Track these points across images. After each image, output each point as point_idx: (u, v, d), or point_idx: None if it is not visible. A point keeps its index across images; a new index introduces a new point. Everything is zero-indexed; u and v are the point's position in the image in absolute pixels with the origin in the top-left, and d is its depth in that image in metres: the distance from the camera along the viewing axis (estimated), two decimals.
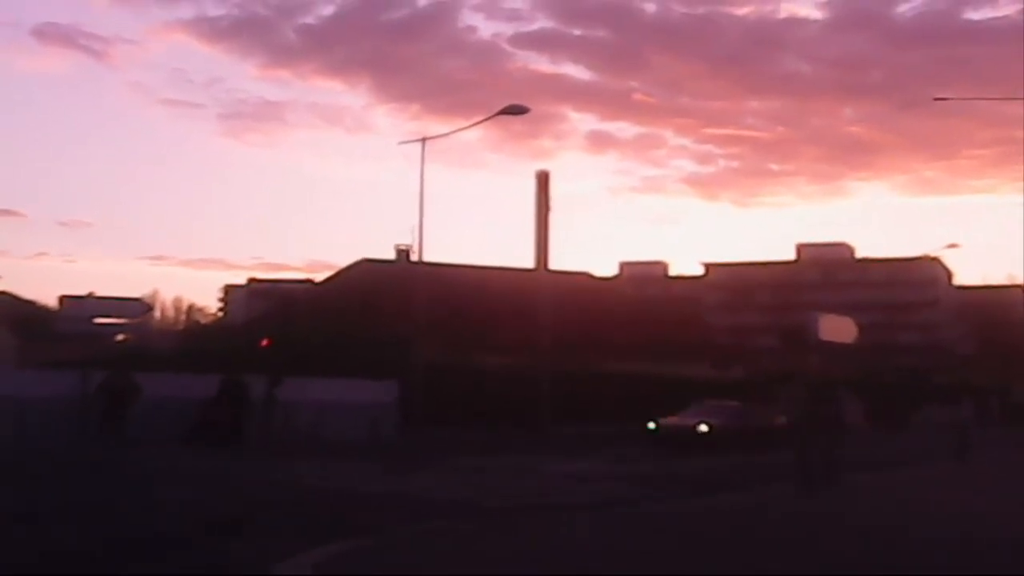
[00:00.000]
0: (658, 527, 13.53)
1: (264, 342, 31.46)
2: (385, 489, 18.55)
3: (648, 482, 20.80)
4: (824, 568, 10.56)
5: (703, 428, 31.85)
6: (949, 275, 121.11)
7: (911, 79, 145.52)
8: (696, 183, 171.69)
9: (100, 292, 54.87)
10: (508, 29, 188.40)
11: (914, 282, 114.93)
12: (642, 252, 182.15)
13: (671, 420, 33.42)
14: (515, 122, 49.85)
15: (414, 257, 40.82)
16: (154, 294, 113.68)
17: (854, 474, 19.94)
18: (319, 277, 66.49)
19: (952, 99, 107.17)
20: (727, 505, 16.58)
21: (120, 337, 35.63)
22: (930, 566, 10.84)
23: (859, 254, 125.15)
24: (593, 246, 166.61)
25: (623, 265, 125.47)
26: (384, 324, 41.60)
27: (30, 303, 62.17)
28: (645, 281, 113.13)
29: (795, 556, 11.35)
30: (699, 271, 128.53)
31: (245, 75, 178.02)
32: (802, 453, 18.43)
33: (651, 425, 33.30)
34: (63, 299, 36.48)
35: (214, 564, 10.37)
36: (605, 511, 15.35)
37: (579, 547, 11.62)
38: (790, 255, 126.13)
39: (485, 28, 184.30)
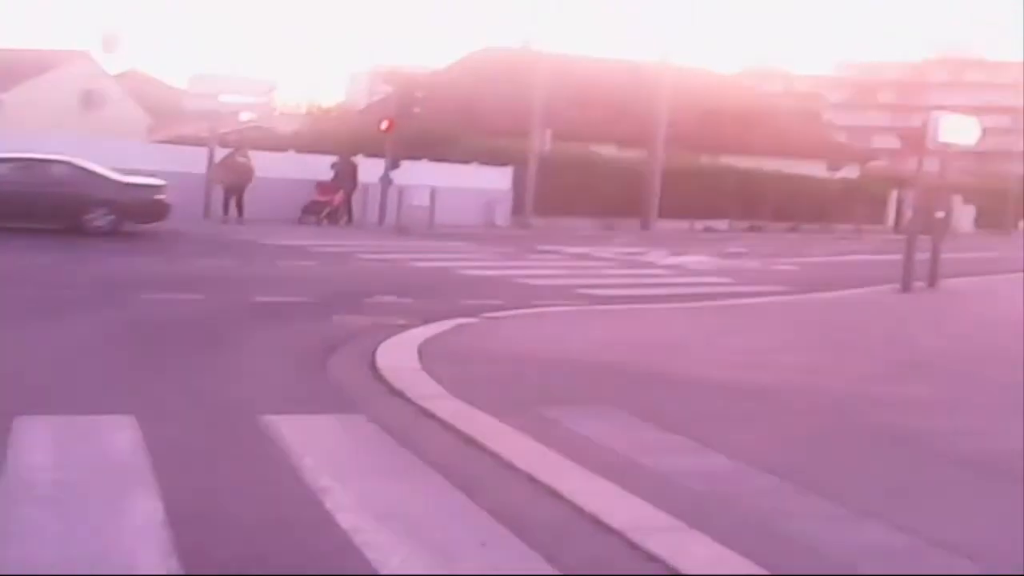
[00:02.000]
0: (757, 317, 13.95)
1: (384, 125, 31.90)
2: (494, 273, 19.15)
3: (753, 279, 21.08)
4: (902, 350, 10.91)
5: None
6: None
7: None
8: None
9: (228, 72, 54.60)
10: None
11: None
12: (768, 46, 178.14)
13: None
14: None
15: (538, 46, 40.68)
16: (278, 76, 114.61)
17: (952, 278, 20.08)
18: (442, 64, 66.41)
19: None
20: (829, 299, 16.98)
21: (245, 116, 36.17)
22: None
23: (992, 54, 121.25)
24: (720, 39, 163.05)
25: (747, 59, 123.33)
26: (504, 113, 41.78)
27: (158, 81, 63.32)
28: (768, 77, 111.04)
29: (882, 341, 11.73)
30: (825, 68, 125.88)
31: None
32: (909, 254, 18.63)
33: None
34: (192, 77, 36.73)
35: (327, 334, 10.99)
36: (704, 303, 15.73)
37: (672, 328, 12.05)
38: (921, 53, 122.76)
39: None
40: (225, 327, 11.46)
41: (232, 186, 29.33)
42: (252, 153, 30.14)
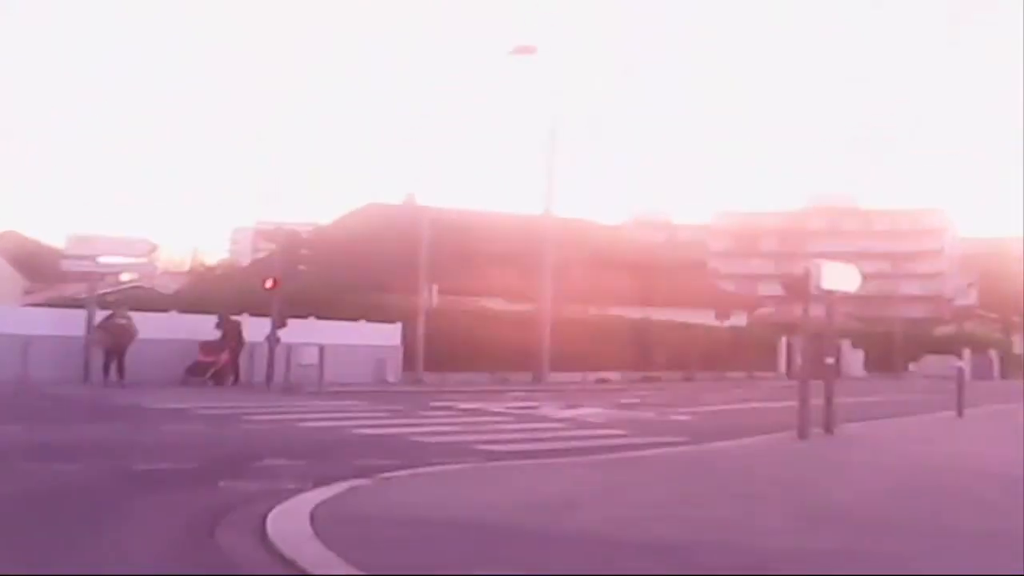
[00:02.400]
0: (655, 470, 13.69)
1: (268, 283, 31.57)
2: (387, 431, 18.75)
3: (649, 430, 20.93)
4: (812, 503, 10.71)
5: None
6: (955, 226, 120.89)
7: None
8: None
9: (107, 232, 53.74)
10: None
11: (920, 232, 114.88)
12: (650, 199, 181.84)
13: None
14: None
15: (421, 201, 40.89)
16: (160, 236, 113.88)
17: (848, 423, 20.16)
18: (327, 220, 66.39)
19: None
20: (727, 449, 16.79)
21: (126, 276, 35.66)
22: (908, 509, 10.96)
23: (867, 204, 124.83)
24: (601, 192, 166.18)
25: (629, 211, 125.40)
26: (390, 268, 41.70)
27: (36, 242, 62.43)
28: (651, 228, 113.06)
29: (787, 491, 11.53)
30: (706, 218, 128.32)
31: None
32: (803, 401, 18.62)
33: None
34: (69, 238, 35.92)
35: (214, 502, 10.51)
36: (601, 456, 15.46)
37: (568, 488, 11.74)
38: (798, 203, 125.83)
39: None
40: (106, 497, 10.88)
41: (112, 348, 28.68)
42: (133, 313, 29.59)
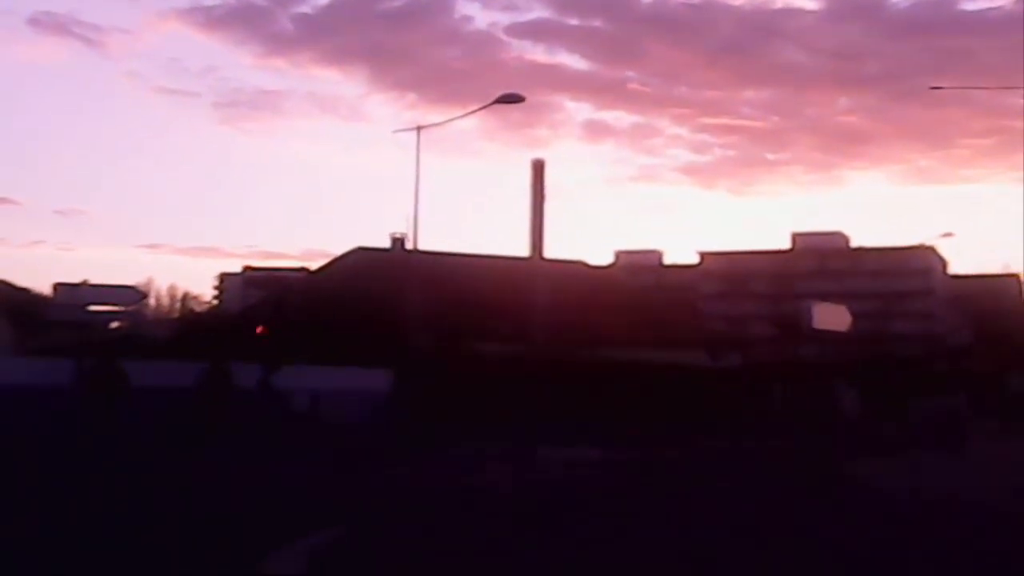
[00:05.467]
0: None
1: (259, 330, 31.43)
2: (376, 478, 18.61)
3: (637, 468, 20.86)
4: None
5: None
6: (944, 264, 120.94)
7: (906, 69, 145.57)
8: (692, 172, 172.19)
9: (95, 280, 53.27)
10: (504, 19, 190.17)
11: (909, 271, 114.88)
12: (638, 241, 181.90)
13: None
14: (511, 111, 49.87)
15: (409, 246, 40.79)
16: (149, 282, 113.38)
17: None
18: (314, 265, 66.36)
19: (947, 88, 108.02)
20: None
21: (114, 325, 35.70)
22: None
23: (854, 243, 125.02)
24: (589, 235, 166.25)
25: (619, 254, 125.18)
26: (379, 312, 41.55)
27: (25, 291, 62.02)
28: (640, 269, 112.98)
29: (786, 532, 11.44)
30: (694, 260, 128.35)
31: (241, 64, 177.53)
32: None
33: None
34: (57, 287, 35.85)
35: (210, 551, 10.37)
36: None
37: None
38: (785, 244, 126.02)
39: (481, 18, 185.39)
40: None
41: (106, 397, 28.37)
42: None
